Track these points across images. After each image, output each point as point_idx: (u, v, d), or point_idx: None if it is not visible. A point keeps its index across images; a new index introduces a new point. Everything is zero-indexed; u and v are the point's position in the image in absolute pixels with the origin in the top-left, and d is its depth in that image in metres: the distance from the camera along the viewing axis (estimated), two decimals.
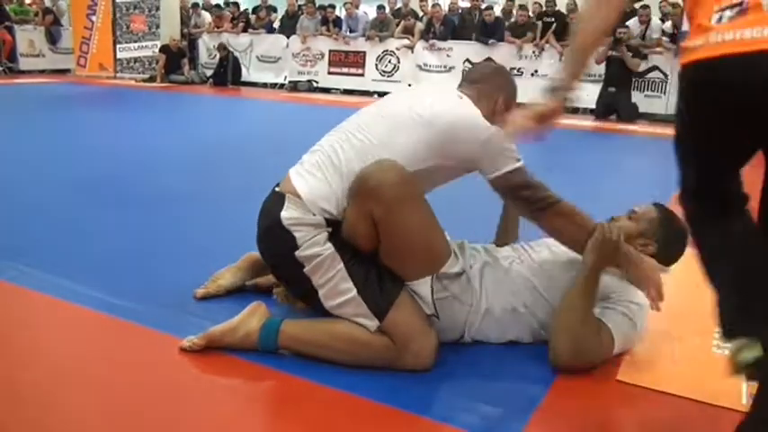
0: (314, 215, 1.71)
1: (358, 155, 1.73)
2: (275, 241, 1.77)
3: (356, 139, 1.77)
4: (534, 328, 1.86)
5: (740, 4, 1.18)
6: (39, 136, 5.49)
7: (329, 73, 10.59)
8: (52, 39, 11.72)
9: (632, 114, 8.01)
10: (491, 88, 1.96)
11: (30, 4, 12.64)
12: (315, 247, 1.70)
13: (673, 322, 2.11)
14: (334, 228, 1.73)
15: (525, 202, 1.81)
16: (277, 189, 1.82)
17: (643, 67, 8.30)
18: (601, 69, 8.37)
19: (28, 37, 11.39)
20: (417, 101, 1.81)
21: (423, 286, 1.75)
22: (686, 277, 2.55)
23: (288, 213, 1.73)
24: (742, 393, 1.67)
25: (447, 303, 1.78)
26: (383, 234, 1.69)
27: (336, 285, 1.71)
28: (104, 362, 1.72)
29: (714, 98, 1.21)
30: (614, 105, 8.11)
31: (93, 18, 11.08)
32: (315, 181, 1.75)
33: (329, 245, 1.70)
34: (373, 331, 1.69)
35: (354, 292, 1.70)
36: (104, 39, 11.06)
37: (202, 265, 2.27)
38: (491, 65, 2.77)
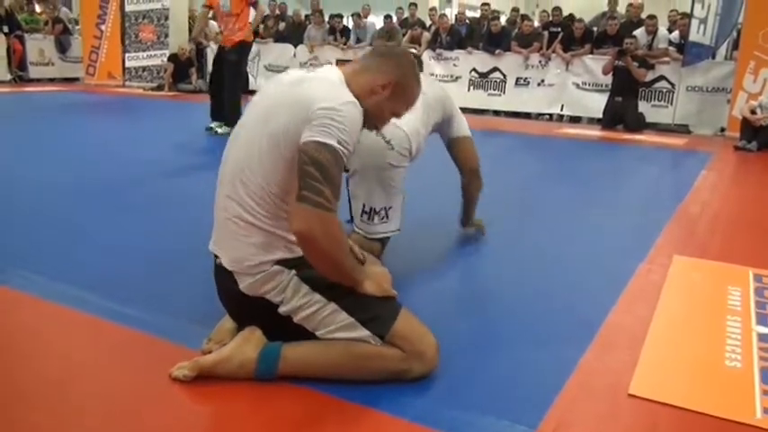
0: (265, 271, 1.65)
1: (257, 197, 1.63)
2: (253, 311, 1.70)
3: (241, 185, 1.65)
4: None
5: None
6: (46, 143, 5.51)
7: None
8: (62, 47, 11.80)
9: (639, 124, 7.98)
10: (380, 69, 1.75)
11: (40, 14, 12.73)
12: (297, 298, 1.65)
13: (684, 336, 2.09)
14: (297, 265, 1.65)
15: (303, 177, 1.53)
16: (217, 261, 1.75)
17: (650, 76, 8.28)
18: (607, 79, 8.35)
19: (38, 46, 11.47)
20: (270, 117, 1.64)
21: None
22: (697, 290, 2.53)
23: (245, 284, 1.67)
24: (756, 408, 1.64)
25: None
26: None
27: (333, 320, 1.65)
28: (109, 370, 1.72)
29: None
30: (621, 115, 8.09)
31: (103, 27, 11.15)
32: (240, 249, 1.66)
33: (307, 288, 1.65)
34: (380, 344, 1.66)
35: (352, 319, 1.65)
36: (113, 48, 11.13)
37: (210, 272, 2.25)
38: (402, 49, 2.68)
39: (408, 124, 2.38)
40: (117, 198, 3.64)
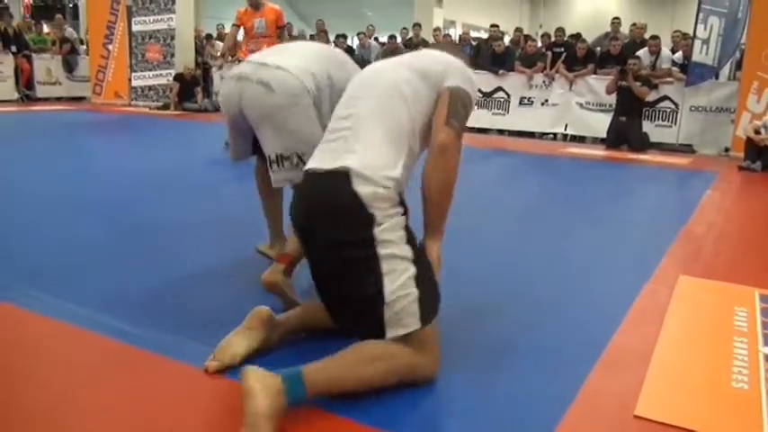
0: (386, 188, 1.70)
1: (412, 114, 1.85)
2: (346, 220, 1.70)
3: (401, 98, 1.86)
4: None
5: None
6: (53, 162, 5.54)
7: None
8: (69, 67, 11.92)
9: (643, 144, 8.00)
10: (456, 54, 2.09)
11: (47, 34, 12.88)
12: (396, 231, 1.71)
13: (691, 357, 2.08)
14: (407, 213, 1.78)
15: (449, 109, 1.85)
16: (324, 168, 1.76)
17: (654, 96, 8.31)
18: (611, 99, 8.39)
19: (45, 65, 11.59)
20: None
21: None
22: (703, 311, 2.52)
23: (366, 190, 1.68)
24: (763, 430, 1.63)
25: None
26: None
27: (403, 279, 1.68)
28: (115, 390, 1.71)
29: None
30: (625, 135, 8.11)
31: (110, 47, 11.27)
32: (374, 152, 1.76)
33: (405, 236, 1.73)
34: (391, 341, 1.68)
35: (416, 293, 1.69)
36: (120, 67, 11.24)
37: (220, 291, 2.26)
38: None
39: (294, 67, 2.38)
40: (123, 216, 3.65)
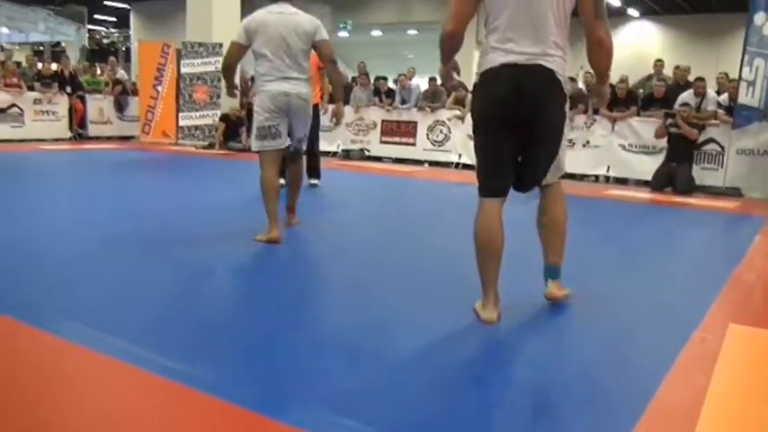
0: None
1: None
2: (551, 93, 2.61)
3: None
4: None
5: None
6: (101, 197, 5.71)
7: (381, 142, 10.78)
8: (120, 107, 12.35)
9: (689, 187, 7.84)
10: None
11: (100, 75, 13.41)
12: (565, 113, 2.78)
13: (741, 411, 1.99)
14: None
15: (598, 5, 2.60)
16: (517, 62, 2.51)
17: (699, 138, 8.18)
18: (655, 141, 8.29)
19: (98, 105, 12.04)
20: None
21: None
22: (755, 362, 2.42)
23: (560, 71, 2.63)
24: None
25: None
26: None
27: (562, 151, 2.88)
28: (151, 423, 1.72)
29: None
30: (671, 177, 7.97)
31: (159, 88, 11.66)
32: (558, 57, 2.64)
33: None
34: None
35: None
36: (168, 107, 11.59)
37: (253, 327, 2.27)
38: None
39: (305, 81, 4.22)
40: (167, 251, 3.72)
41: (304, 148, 4.40)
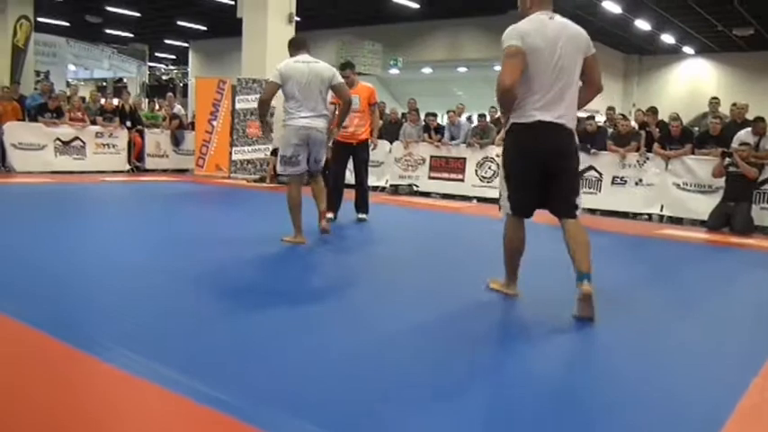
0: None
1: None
2: (570, 146, 3.40)
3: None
4: None
5: None
6: (154, 227, 5.87)
7: (430, 177, 10.81)
8: (176, 141, 12.76)
9: (748, 227, 7.58)
10: None
11: (158, 110, 13.91)
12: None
13: None
14: None
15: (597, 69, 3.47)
16: (549, 120, 3.29)
17: (759, 178, 7.92)
18: (711, 180, 8.09)
19: (155, 139, 12.46)
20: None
21: None
22: None
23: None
24: None
25: None
26: None
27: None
28: None
29: None
30: (728, 217, 7.73)
31: (214, 123, 12.01)
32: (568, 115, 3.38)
33: None
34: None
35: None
36: (222, 142, 11.91)
37: (303, 362, 2.26)
38: None
39: (322, 117, 5.19)
40: (217, 282, 3.78)
41: (320, 167, 5.33)
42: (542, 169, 3.35)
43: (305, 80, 4.97)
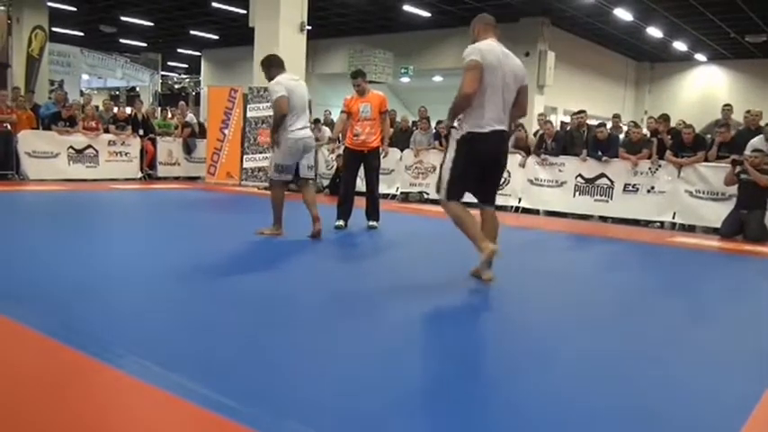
0: None
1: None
2: (506, 147, 4.26)
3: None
4: None
5: None
6: (166, 234, 5.90)
7: None
8: (188, 149, 12.84)
9: (761, 235, 7.51)
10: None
11: (170, 118, 14.01)
12: None
13: None
14: None
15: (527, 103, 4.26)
16: (499, 129, 4.03)
17: None
18: (724, 188, 8.03)
19: (168, 147, 12.55)
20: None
21: None
22: None
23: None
24: None
25: None
26: None
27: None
28: None
29: None
30: (741, 225, 7.67)
31: (226, 131, 12.07)
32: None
33: None
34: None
35: None
36: (233, 150, 11.97)
37: (314, 368, 2.26)
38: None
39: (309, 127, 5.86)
40: (230, 288, 3.79)
41: (313, 174, 6.08)
42: (484, 168, 4.15)
43: (299, 95, 5.63)
